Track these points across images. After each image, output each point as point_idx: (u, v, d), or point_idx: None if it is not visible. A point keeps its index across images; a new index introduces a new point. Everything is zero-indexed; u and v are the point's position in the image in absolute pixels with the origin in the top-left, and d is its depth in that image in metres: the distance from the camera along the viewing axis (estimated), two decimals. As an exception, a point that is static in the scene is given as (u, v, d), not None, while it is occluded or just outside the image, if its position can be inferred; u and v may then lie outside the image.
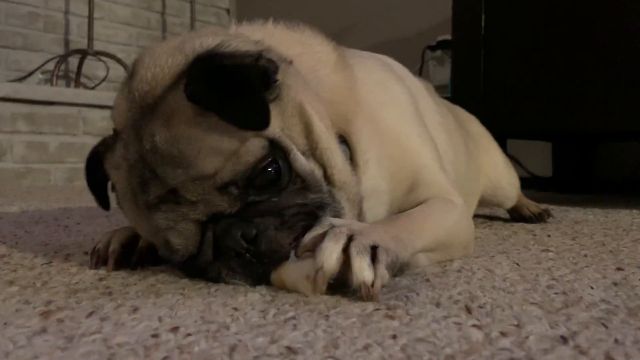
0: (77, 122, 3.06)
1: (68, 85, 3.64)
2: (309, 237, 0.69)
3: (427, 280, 0.76)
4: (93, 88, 3.61)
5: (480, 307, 0.63)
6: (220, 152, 0.68)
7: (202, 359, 0.48)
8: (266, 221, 0.70)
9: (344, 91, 0.87)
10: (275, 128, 0.72)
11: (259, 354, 0.49)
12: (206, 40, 0.75)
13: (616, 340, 0.52)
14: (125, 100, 0.75)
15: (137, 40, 4.03)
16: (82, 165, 0.86)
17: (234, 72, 0.68)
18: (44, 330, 0.56)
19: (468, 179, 1.26)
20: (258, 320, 0.59)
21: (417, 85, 1.11)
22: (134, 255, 0.84)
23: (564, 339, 0.52)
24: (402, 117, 0.94)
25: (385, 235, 0.70)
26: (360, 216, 0.84)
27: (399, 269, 0.71)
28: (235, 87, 0.67)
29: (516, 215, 1.55)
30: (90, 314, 0.61)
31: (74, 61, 3.60)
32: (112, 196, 0.84)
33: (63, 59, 3.52)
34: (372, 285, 0.64)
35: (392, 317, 0.59)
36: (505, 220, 1.55)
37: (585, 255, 0.96)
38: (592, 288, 0.72)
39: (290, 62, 0.79)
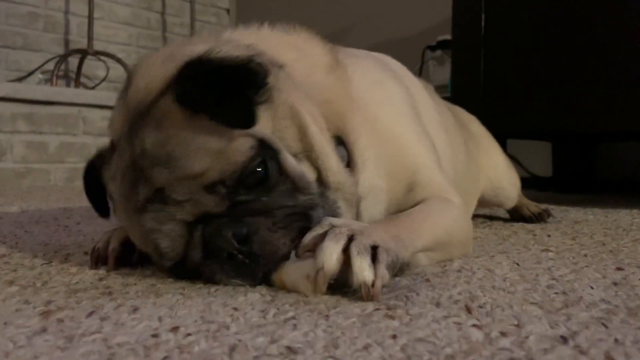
0: (77, 122, 3.06)
1: (68, 85, 3.64)
2: (309, 237, 0.69)
3: (427, 280, 0.76)
4: (93, 88, 3.62)
5: (480, 307, 0.63)
6: (208, 152, 0.68)
7: (202, 358, 0.48)
8: (257, 221, 0.70)
9: (337, 90, 0.87)
10: (265, 129, 0.72)
11: (259, 354, 0.49)
12: (196, 47, 0.75)
13: (616, 340, 0.52)
14: (121, 111, 0.77)
15: (137, 40, 4.03)
16: (82, 165, 0.87)
17: (222, 74, 0.69)
18: (44, 330, 0.56)
19: (467, 178, 1.26)
20: (258, 320, 0.59)
21: (415, 83, 1.11)
22: (134, 253, 0.84)
23: (564, 339, 0.52)
24: (400, 116, 0.93)
25: (386, 235, 0.70)
26: (358, 215, 0.84)
27: (399, 269, 0.71)
28: (223, 88, 0.68)
29: (516, 215, 1.55)
30: (90, 314, 0.61)
31: (74, 61, 3.60)
32: (112, 204, 0.84)
33: (63, 59, 3.52)
34: (373, 285, 0.64)
35: (392, 317, 0.59)
36: (505, 220, 1.55)
37: (585, 255, 0.96)
38: (592, 288, 0.72)
39: (281, 67, 0.79)
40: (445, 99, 1.50)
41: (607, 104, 1.80)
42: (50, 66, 3.46)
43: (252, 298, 0.67)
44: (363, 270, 0.64)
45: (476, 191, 1.41)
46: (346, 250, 0.65)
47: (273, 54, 0.81)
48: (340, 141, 0.84)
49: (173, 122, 0.69)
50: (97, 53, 3.53)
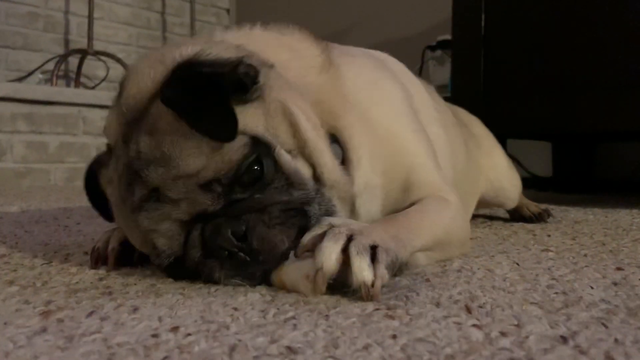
0: (77, 122, 3.05)
1: (68, 85, 3.64)
2: (308, 237, 0.69)
3: (427, 280, 0.76)
4: (93, 88, 3.61)
5: (480, 307, 0.63)
6: (202, 151, 0.69)
7: (202, 358, 0.48)
8: (254, 217, 0.70)
9: (329, 89, 0.87)
10: (258, 126, 0.72)
11: (259, 354, 0.49)
12: (186, 49, 0.76)
13: (616, 340, 0.52)
14: (115, 116, 0.77)
15: (137, 40, 4.03)
16: (82, 165, 0.88)
17: (207, 81, 0.69)
18: (44, 330, 0.56)
19: (467, 177, 1.26)
20: (258, 320, 0.59)
21: (414, 81, 1.10)
22: (135, 253, 0.84)
23: (564, 339, 0.53)
24: (395, 115, 0.93)
25: (385, 235, 0.70)
26: (353, 213, 0.84)
27: (398, 269, 0.71)
28: (206, 97, 0.68)
29: (516, 215, 1.55)
30: (90, 314, 0.61)
31: (74, 61, 3.60)
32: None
33: (63, 58, 3.52)
34: (372, 285, 0.64)
35: (392, 317, 0.59)
36: (505, 220, 1.55)
37: (585, 255, 0.96)
38: (592, 288, 0.72)
39: (272, 66, 0.79)
40: (445, 99, 1.50)
41: (607, 104, 1.80)
42: (50, 66, 3.46)
43: (252, 298, 0.67)
44: (362, 270, 0.64)
45: (476, 191, 1.41)
46: (345, 250, 0.65)
47: (265, 54, 0.81)
48: (334, 139, 0.84)
49: (166, 124, 0.69)
50: (97, 53, 3.53)
